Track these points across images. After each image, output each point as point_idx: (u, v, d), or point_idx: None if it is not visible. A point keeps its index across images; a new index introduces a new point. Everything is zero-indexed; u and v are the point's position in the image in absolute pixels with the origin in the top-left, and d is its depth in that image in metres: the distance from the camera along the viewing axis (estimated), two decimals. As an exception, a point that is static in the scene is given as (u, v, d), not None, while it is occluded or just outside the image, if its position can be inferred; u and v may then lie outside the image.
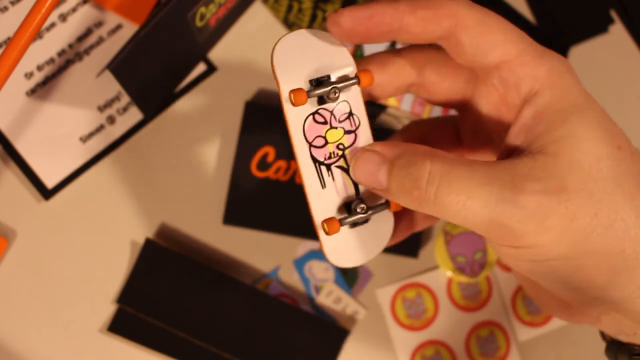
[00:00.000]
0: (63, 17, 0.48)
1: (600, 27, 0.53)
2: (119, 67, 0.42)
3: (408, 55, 0.32)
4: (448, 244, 0.50)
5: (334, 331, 0.48)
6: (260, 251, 0.49)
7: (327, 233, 0.29)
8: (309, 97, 0.29)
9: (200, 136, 0.49)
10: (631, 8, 0.53)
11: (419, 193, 0.27)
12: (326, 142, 0.30)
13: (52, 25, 0.48)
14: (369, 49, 0.50)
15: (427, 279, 0.50)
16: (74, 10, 0.49)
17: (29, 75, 0.48)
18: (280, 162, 0.49)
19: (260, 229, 0.49)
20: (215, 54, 0.50)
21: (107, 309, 0.47)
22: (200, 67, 0.50)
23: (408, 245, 0.49)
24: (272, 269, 0.49)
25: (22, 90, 0.48)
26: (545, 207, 0.25)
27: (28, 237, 0.47)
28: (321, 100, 0.30)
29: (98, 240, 0.48)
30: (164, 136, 0.49)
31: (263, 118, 0.49)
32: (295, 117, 0.29)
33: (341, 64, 0.30)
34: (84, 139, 0.48)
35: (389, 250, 0.32)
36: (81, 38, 0.49)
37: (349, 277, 0.49)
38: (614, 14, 0.54)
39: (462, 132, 0.34)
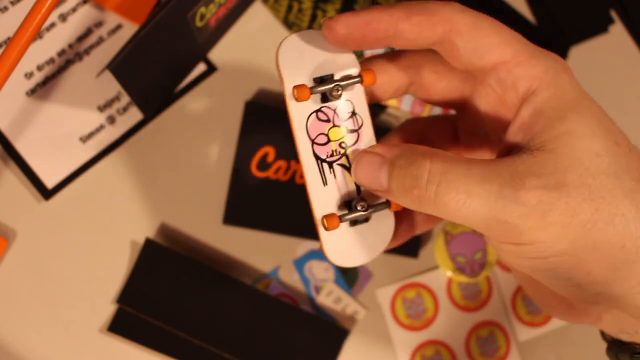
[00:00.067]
0: (63, 17, 0.48)
1: (600, 27, 0.54)
2: (119, 67, 0.42)
3: (406, 55, 0.32)
4: (448, 244, 0.50)
5: (334, 331, 0.48)
6: (260, 251, 0.49)
7: (326, 229, 0.29)
8: (312, 93, 0.29)
9: (200, 136, 0.49)
10: (631, 8, 0.53)
11: (419, 192, 0.27)
12: (329, 140, 0.30)
13: (52, 25, 0.48)
14: (369, 50, 0.50)
15: (427, 279, 0.50)
16: (74, 10, 0.49)
17: (29, 75, 0.48)
18: (280, 162, 0.49)
19: (260, 229, 0.49)
20: (215, 54, 0.50)
21: (107, 309, 0.47)
22: (200, 67, 0.50)
23: (408, 245, 0.48)
24: (272, 269, 0.49)
25: (22, 90, 0.48)
26: (545, 202, 0.25)
27: (28, 237, 0.47)
28: (324, 98, 0.30)
29: (98, 240, 0.48)
30: (164, 136, 0.49)
31: (263, 118, 0.49)
32: (299, 114, 0.29)
33: (345, 64, 0.30)
34: (84, 139, 0.48)
35: (389, 250, 0.32)
36: (81, 38, 0.49)
37: (349, 277, 0.49)
38: (614, 14, 0.54)
39: (460, 130, 0.35)
